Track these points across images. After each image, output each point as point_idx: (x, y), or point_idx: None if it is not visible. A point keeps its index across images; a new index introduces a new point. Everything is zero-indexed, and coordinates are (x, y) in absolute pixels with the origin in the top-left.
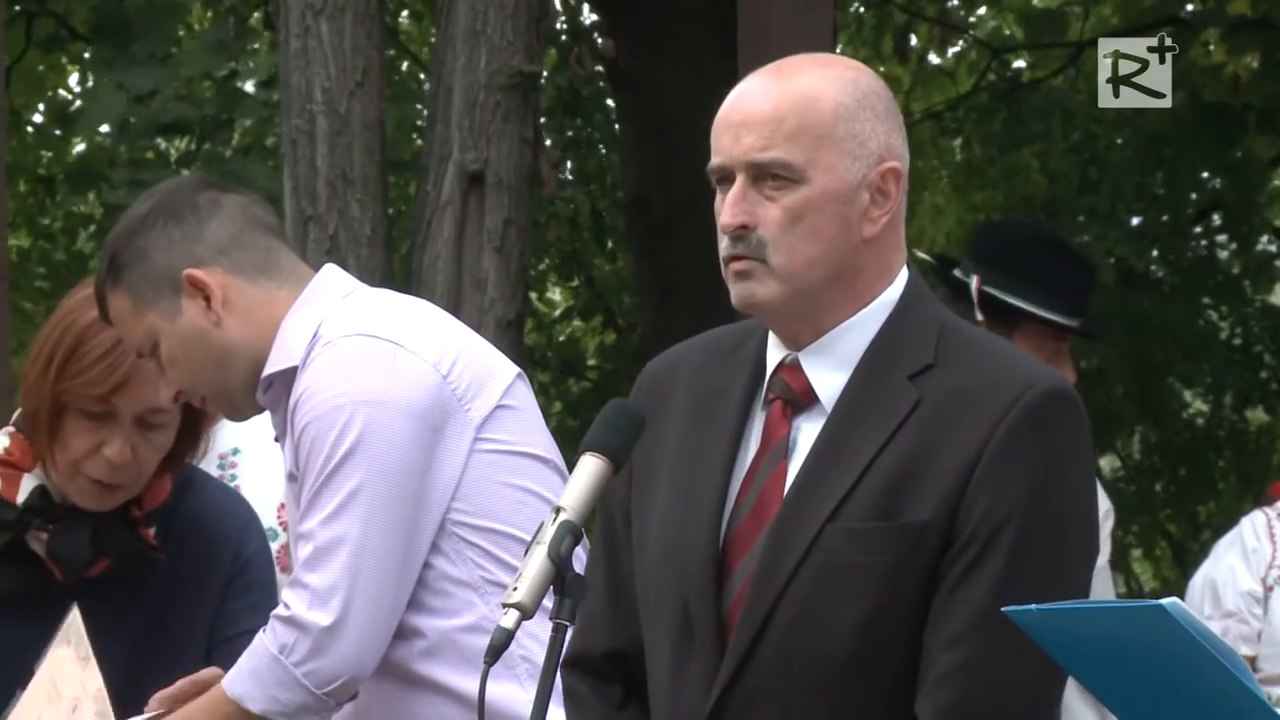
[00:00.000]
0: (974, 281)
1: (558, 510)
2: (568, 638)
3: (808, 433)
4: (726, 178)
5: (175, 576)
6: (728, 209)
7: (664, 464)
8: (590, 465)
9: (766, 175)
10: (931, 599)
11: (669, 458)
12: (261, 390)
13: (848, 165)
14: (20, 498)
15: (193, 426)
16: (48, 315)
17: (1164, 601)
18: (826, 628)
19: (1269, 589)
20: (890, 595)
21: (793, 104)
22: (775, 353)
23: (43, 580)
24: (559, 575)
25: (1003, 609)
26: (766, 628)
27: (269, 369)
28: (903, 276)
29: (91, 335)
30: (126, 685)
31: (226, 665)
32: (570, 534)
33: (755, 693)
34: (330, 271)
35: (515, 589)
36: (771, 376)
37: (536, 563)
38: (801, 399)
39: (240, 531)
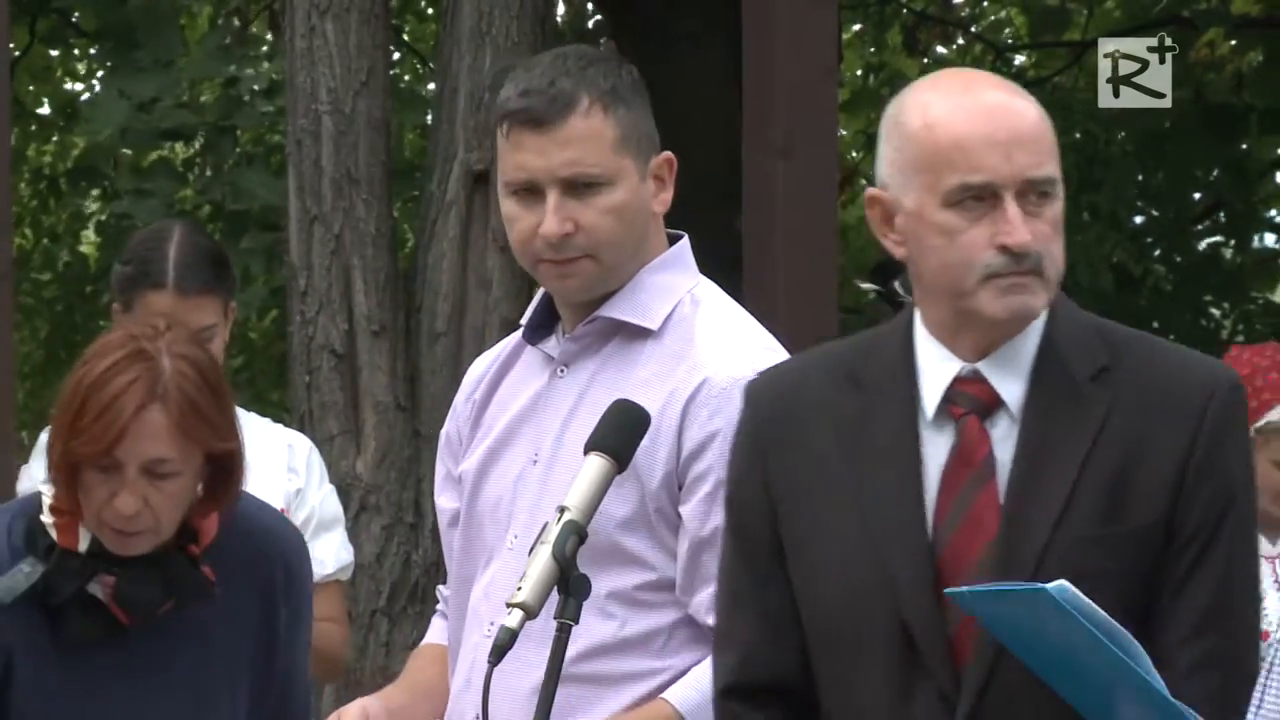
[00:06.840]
0: None
1: (562, 510)
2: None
3: (1000, 446)
4: (986, 195)
5: (227, 602)
6: (1018, 228)
7: (817, 495)
8: (595, 465)
9: (1032, 191)
10: (1148, 600)
11: (826, 490)
12: (584, 320)
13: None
14: (81, 545)
15: (225, 473)
16: (50, 315)
17: (1049, 585)
18: None
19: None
20: (1121, 600)
21: (1037, 119)
22: (941, 366)
23: (106, 622)
24: (563, 575)
25: (945, 590)
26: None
27: (613, 311)
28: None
29: (94, 392)
30: (188, 714)
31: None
32: (575, 534)
33: (1005, 706)
34: (685, 243)
35: (520, 589)
36: (953, 391)
37: (540, 563)
38: (990, 411)
39: (290, 551)
